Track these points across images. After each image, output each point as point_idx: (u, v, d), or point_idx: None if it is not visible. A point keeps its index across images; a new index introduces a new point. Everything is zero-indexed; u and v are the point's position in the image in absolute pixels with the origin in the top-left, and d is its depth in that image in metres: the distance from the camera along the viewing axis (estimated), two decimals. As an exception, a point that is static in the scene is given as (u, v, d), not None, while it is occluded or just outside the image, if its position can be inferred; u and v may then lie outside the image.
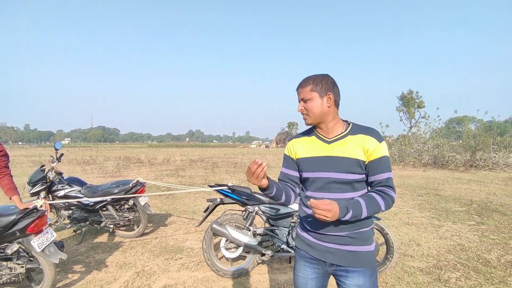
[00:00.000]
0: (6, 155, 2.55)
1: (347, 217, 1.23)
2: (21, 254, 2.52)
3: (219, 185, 3.21)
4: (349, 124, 1.41)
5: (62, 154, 4.39)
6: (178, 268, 3.22)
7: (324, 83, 1.35)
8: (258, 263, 3.19)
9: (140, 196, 4.06)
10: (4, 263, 2.49)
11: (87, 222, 4.04)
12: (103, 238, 4.21)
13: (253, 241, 2.90)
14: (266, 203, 3.09)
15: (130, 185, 3.99)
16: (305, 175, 1.42)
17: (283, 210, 3.04)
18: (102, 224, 4.01)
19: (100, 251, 3.72)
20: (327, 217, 1.19)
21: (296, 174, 1.48)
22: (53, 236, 2.62)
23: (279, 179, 1.53)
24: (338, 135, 1.37)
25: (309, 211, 1.38)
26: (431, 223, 4.86)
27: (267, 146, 71.84)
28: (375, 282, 1.36)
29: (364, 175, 1.34)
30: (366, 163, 1.32)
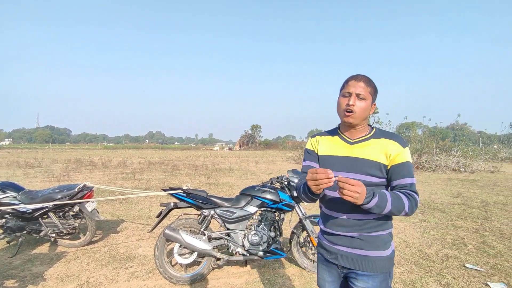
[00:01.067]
0: None
1: (372, 203, 1.19)
2: None
3: (174, 189, 3.09)
4: (372, 128, 1.41)
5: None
6: (127, 278, 3.02)
7: (376, 93, 1.38)
8: (214, 268, 3.12)
9: (87, 202, 3.76)
10: None
11: (24, 232, 3.63)
12: (43, 248, 3.82)
13: (208, 246, 2.83)
14: (222, 207, 3.04)
15: (76, 189, 3.67)
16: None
17: (239, 213, 3.01)
18: (42, 233, 3.64)
19: (38, 263, 3.37)
20: (353, 196, 1.14)
21: (318, 167, 1.45)
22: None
23: (303, 172, 1.52)
24: (362, 137, 1.38)
25: (327, 211, 1.41)
26: (381, 222, 5.16)
27: (230, 149, 71.57)
28: (387, 287, 1.34)
29: (383, 179, 1.33)
30: (389, 167, 1.31)
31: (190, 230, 3.05)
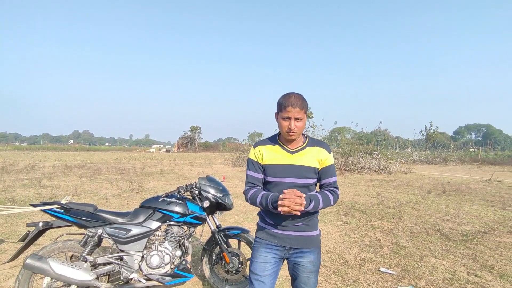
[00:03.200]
0: None
1: (310, 207, 1.54)
2: None
3: (48, 203, 2.41)
4: (306, 137, 1.72)
5: None
6: (-25, 326, 2.24)
7: (306, 104, 1.62)
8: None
9: None
10: None
11: None
12: None
13: (89, 276, 2.23)
14: (114, 223, 2.47)
15: None
16: (270, 179, 1.68)
17: (136, 230, 2.48)
18: None
19: None
20: (296, 209, 1.45)
21: (262, 177, 1.72)
22: None
23: (249, 182, 1.74)
24: (299, 147, 1.67)
25: (274, 211, 1.60)
26: (306, 226, 5.09)
27: (167, 151, 68.11)
28: (319, 258, 1.73)
29: (316, 179, 1.69)
30: (319, 169, 1.67)
31: (71, 256, 2.41)
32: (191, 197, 2.77)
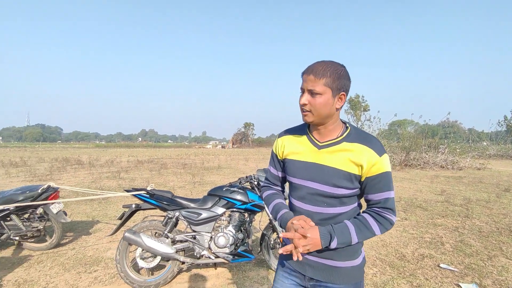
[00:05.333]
0: None
1: (333, 245, 1.09)
2: None
3: (137, 190, 2.96)
4: (347, 127, 1.19)
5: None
6: (89, 283, 2.89)
7: (342, 79, 1.10)
8: (179, 272, 3.01)
9: (52, 203, 3.60)
10: None
11: (-15, 235, 3.48)
12: (6, 252, 3.66)
13: (170, 249, 2.71)
14: (188, 208, 2.92)
15: (39, 191, 3.52)
16: (288, 179, 1.28)
17: (205, 214, 2.90)
18: (4, 237, 3.48)
19: (-2, 268, 3.21)
20: (305, 249, 1.07)
21: (280, 175, 1.37)
22: None
23: (266, 179, 1.44)
24: (332, 139, 1.17)
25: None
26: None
27: (223, 147, 71.28)
28: None
29: (355, 190, 1.15)
30: (362, 179, 1.13)
31: (155, 233, 2.93)
32: (250, 187, 3.09)
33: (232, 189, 2.98)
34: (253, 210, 2.98)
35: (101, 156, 24.80)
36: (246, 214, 3.03)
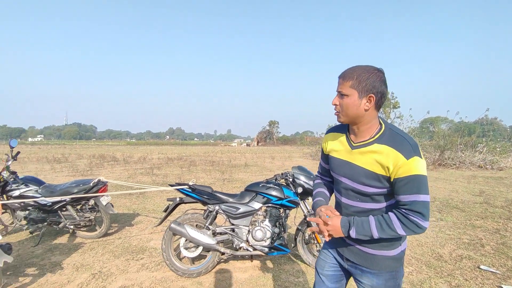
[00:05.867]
0: None
1: (352, 234, 1.21)
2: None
3: (180, 184, 3.17)
4: (381, 128, 1.24)
5: (18, 152, 4.17)
6: (137, 269, 3.16)
7: (370, 81, 1.17)
8: (219, 262, 3.19)
9: (102, 196, 3.94)
10: None
11: (45, 223, 3.88)
12: (63, 239, 4.05)
13: (212, 240, 2.89)
14: (226, 202, 3.09)
15: (91, 184, 3.86)
16: (332, 173, 1.43)
17: (243, 208, 3.05)
18: (61, 225, 3.86)
19: (57, 252, 3.58)
20: (326, 234, 1.25)
21: (328, 167, 1.48)
22: (-2, 238, 2.49)
23: (318, 172, 1.62)
24: (364, 141, 1.25)
25: (338, 211, 1.39)
26: (394, 220, 5.03)
27: (248, 145, 71.85)
28: (393, 286, 1.30)
29: (385, 189, 1.22)
30: (392, 180, 1.18)
31: (196, 225, 3.13)
32: (285, 184, 3.20)
33: (268, 185, 3.10)
34: (288, 206, 3.08)
35: (133, 153, 26.01)
36: (281, 210, 3.15)
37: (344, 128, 1.38)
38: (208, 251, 3.03)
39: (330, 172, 1.47)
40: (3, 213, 3.98)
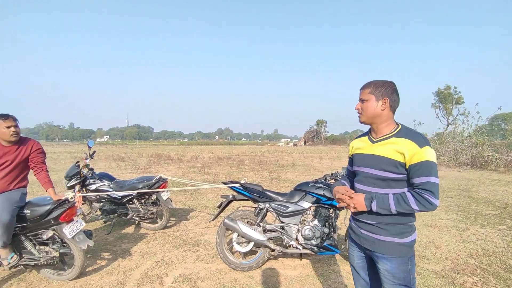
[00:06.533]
0: (43, 153, 2.89)
1: (373, 207, 1.47)
2: (55, 240, 2.86)
3: (232, 182, 3.36)
4: (398, 127, 1.54)
5: (94, 152, 4.79)
6: (194, 260, 3.42)
7: (384, 89, 1.53)
8: (269, 258, 3.30)
9: (163, 191, 4.33)
10: (42, 247, 2.84)
11: (116, 214, 4.39)
12: (130, 229, 4.55)
13: (262, 237, 3.01)
14: (276, 201, 3.19)
15: (153, 180, 4.27)
16: (354, 168, 1.70)
17: (293, 207, 3.12)
18: (129, 217, 4.34)
19: (126, 241, 4.04)
20: (349, 203, 1.54)
21: (352, 169, 1.76)
22: (82, 225, 2.92)
23: (345, 175, 1.90)
24: (384, 136, 1.54)
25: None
26: (456, 226, 4.65)
27: (295, 144, 71.22)
28: (406, 271, 1.49)
29: (401, 175, 1.46)
30: (407, 167, 1.43)
31: (247, 221, 3.28)
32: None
33: (318, 185, 3.12)
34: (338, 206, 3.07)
35: (186, 152, 27.62)
36: (331, 210, 3.14)
37: (366, 133, 1.70)
38: (259, 247, 3.16)
39: (353, 175, 1.76)
40: (83, 204, 4.62)
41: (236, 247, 3.16)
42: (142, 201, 4.46)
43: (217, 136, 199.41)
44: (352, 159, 1.74)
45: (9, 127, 2.60)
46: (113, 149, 34.65)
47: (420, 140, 1.43)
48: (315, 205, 3.13)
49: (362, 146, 1.64)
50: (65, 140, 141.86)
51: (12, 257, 2.72)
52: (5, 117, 2.61)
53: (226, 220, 3.08)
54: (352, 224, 1.71)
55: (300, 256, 3.31)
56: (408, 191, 1.45)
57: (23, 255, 2.80)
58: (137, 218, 4.35)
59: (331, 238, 3.05)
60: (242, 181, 3.32)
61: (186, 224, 4.84)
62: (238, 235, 3.15)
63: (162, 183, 4.35)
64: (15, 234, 2.72)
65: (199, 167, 13.56)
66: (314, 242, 3.02)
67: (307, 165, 15.39)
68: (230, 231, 3.25)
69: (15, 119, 2.67)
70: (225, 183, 3.42)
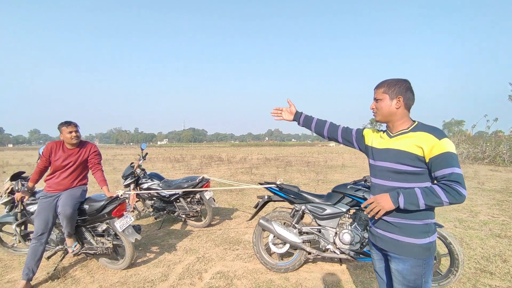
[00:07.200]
0: (99, 154, 3.26)
1: (401, 202, 1.40)
2: (109, 232, 3.19)
3: (268, 183, 3.37)
4: (414, 122, 1.54)
5: (146, 154, 5.23)
6: (233, 258, 3.51)
7: (397, 87, 1.52)
8: (306, 261, 3.23)
9: (206, 191, 4.54)
10: (98, 238, 3.19)
11: (165, 211, 4.73)
12: (177, 226, 4.85)
13: (298, 239, 2.96)
14: (313, 202, 3.11)
15: (197, 180, 4.50)
16: (369, 161, 1.68)
17: (330, 210, 3.01)
18: (176, 214, 4.64)
19: (173, 236, 4.32)
20: (377, 209, 1.46)
21: (351, 140, 1.81)
22: (131, 220, 3.21)
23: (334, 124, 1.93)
24: (402, 130, 1.53)
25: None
26: (533, 238, 3.98)
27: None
28: (418, 274, 1.44)
29: (419, 169, 1.43)
30: (427, 160, 1.40)
31: (284, 223, 3.26)
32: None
33: (357, 187, 2.96)
34: (380, 210, 2.86)
35: (236, 154, 28.45)
36: (372, 214, 2.95)
37: (384, 130, 1.68)
38: (295, 249, 3.11)
39: (347, 137, 1.82)
40: (137, 201, 5.07)
41: (272, 247, 3.15)
42: (188, 199, 4.73)
43: (267, 138, 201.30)
44: (364, 147, 1.74)
45: (71, 132, 2.99)
46: (170, 151, 37.28)
47: (438, 132, 1.42)
48: (354, 208, 2.98)
49: (379, 141, 1.63)
50: (131, 144, 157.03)
51: (75, 246, 3.11)
52: (68, 123, 3.01)
53: (261, 221, 3.10)
54: (370, 224, 1.67)
55: (340, 261, 3.18)
56: (436, 184, 1.39)
57: (84, 244, 3.19)
58: (183, 216, 4.62)
59: (372, 244, 2.86)
60: (277, 182, 3.31)
61: (229, 223, 4.99)
62: (274, 236, 3.14)
63: (205, 183, 4.55)
64: (77, 226, 3.11)
65: (247, 168, 13.84)
66: (353, 247, 2.87)
67: (359, 166, 14.67)
68: (267, 232, 3.26)
69: (76, 125, 3.05)
70: (261, 184, 3.45)
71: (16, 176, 3.46)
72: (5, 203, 3.37)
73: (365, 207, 1.56)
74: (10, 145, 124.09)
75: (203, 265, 3.33)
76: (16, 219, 3.29)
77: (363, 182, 3.01)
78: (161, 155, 27.81)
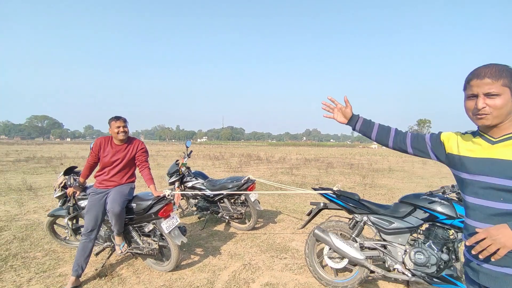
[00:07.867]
0: (146, 152, 3.18)
1: None
2: (156, 233, 3.10)
3: (324, 189, 3.03)
4: None
5: (191, 151, 5.16)
6: (281, 268, 3.24)
7: (508, 74, 1.13)
8: (367, 280, 2.84)
9: (251, 193, 4.32)
10: (145, 238, 3.12)
11: (209, 211, 4.61)
12: (221, 227, 4.71)
13: (359, 255, 2.59)
14: (377, 214, 2.71)
15: (242, 181, 4.30)
16: (461, 175, 1.27)
17: (398, 224, 2.59)
18: (219, 215, 4.49)
19: (217, 238, 4.17)
20: (496, 245, 1.03)
21: (425, 149, 1.42)
22: (177, 221, 3.09)
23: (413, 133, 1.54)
24: (507, 134, 1.16)
25: (470, 221, 1.22)
26: None
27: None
28: None
29: None
30: None
31: (340, 234, 2.90)
32: (457, 199, 2.51)
33: (433, 198, 2.51)
34: (462, 227, 2.39)
35: (274, 153, 28.20)
36: (451, 231, 2.48)
37: (474, 132, 1.29)
38: (355, 265, 2.75)
39: (415, 145, 1.44)
40: (181, 199, 5.03)
41: (328, 262, 2.81)
42: (232, 200, 4.56)
43: (304, 137, 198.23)
44: (445, 157, 1.34)
45: (118, 127, 2.94)
46: (210, 149, 38.19)
47: None
48: (429, 223, 2.53)
49: (474, 148, 1.23)
50: (173, 140, 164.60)
51: (123, 246, 3.07)
52: (117, 118, 2.97)
53: (316, 231, 2.78)
54: (467, 257, 1.25)
55: (408, 284, 2.74)
56: None
57: (131, 244, 3.13)
58: (227, 217, 4.46)
59: (452, 268, 2.40)
60: (334, 188, 2.96)
61: (274, 227, 4.72)
62: (330, 249, 2.80)
63: (250, 184, 4.34)
64: (125, 224, 3.06)
65: (287, 168, 13.50)
66: (427, 270, 2.43)
67: (407, 170, 13.57)
68: (320, 242, 2.93)
69: (125, 121, 3.00)
70: (315, 189, 3.12)
71: (69, 171, 3.53)
72: (59, 197, 3.45)
73: (472, 246, 1.14)
74: (68, 139, 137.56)
75: (250, 274, 3.10)
76: (68, 213, 3.35)
77: (441, 193, 2.54)
78: (201, 152, 28.52)
